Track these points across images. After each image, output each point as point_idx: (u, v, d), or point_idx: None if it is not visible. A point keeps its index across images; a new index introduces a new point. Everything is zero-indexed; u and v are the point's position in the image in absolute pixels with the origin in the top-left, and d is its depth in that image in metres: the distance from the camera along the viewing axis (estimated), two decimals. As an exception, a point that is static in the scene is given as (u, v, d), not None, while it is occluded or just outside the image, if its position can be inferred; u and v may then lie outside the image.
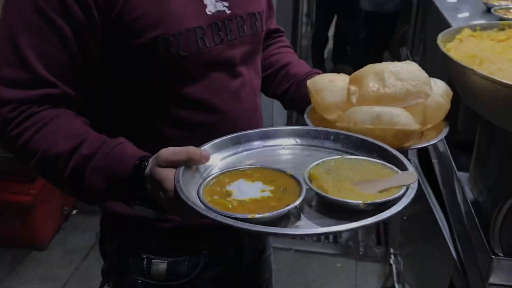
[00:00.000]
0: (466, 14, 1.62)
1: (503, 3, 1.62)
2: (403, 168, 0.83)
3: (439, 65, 1.60)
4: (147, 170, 0.84)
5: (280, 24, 1.38)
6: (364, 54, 4.45)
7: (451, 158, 1.44)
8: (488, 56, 1.07)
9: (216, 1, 1.02)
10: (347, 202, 0.75)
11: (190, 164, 0.83)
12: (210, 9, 1.00)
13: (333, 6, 5.00)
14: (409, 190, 0.77)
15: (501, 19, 1.47)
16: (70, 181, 0.90)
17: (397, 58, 3.02)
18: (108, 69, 0.96)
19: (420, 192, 1.45)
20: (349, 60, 5.14)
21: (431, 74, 1.06)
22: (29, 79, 0.88)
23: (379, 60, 3.56)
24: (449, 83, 1.13)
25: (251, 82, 1.12)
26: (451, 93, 1.01)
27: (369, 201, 0.74)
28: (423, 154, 1.77)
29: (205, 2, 1.00)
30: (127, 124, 1.01)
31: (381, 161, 0.86)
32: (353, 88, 0.97)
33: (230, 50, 1.04)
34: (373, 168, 0.83)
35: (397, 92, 0.93)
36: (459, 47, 1.16)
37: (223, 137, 0.93)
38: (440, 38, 1.17)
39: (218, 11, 1.02)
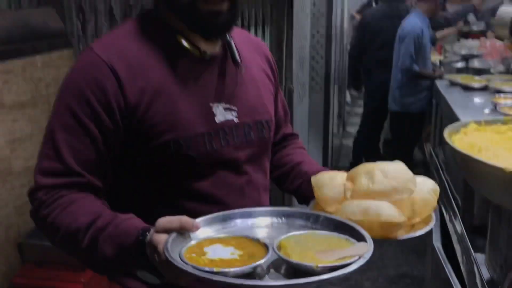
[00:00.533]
0: (472, 111, 1.81)
1: (509, 102, 1.81)
2: (364, 240, 0.95)
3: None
4: (148, 238, 0.97)
5: (312, 124, 1.58)
6: (394, 153, 4.61)
7: (468, 241, 1.56)
8: (487, 145, 1.25)
9: (225, 111, 1.15)
10: (303, 264, 0.87)
11: (182, 231, 0.95)
12: (219, 118, 1.14)
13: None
14: (361, 259, 0.89)
15: (506, 114, 1.65)
16: (87, 252, 1.03)
17: (424, 154, 3.18)
18: (127, 164, 1.12)
19: (442, 273, 1.56)
20: (380, 158, 5.30)
21: (449, 168, 1.22)
22: (62, 170, 1.06)
23: (410, 157, 3.73)
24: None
25: (257, 181, 1.23)
26: (438, 190, 1.12)
27: (321, 264, 0.86)
28: (447, 238, 1.89)
29: (214, 111, 1.14)
30: (138, 207, 1.13)
31: (346, 236, 0.98)
32: (348, 184, 1.10)
33: (236, 151, 1.17)
34: (338, 241, 0.96)
35: (384, 188, 1.05)
36: (464, 139, 1.35)
37: (214, 214, 1.05)
38: (446, 131, 1.36)
39: (227, 120, 1.15)
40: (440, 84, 2.56)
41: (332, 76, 4.16)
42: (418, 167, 4.71)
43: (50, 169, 1.07)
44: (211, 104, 1.14)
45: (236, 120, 1.17)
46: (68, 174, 1.07)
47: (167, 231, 0.94)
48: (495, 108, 1.84)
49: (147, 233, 0.98)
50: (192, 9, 1.07)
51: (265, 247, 0.92)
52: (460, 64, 3.43)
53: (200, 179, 1.13)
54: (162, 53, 1.12)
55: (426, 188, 1.09)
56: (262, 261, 0.87)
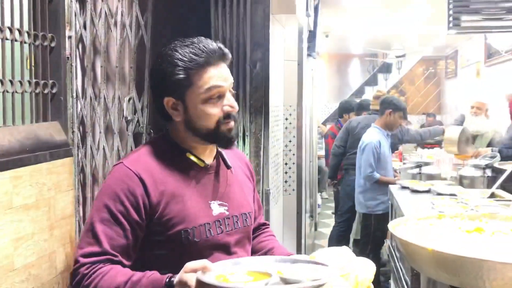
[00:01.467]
0: (417, 208, 2.20)
1: (445, 201, 2.22)
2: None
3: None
4: (176, 280, 1.29)
5: (286, 224, 1.93)
6: (363, 251, 4.90)
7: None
8: (420, 234, 1.61)
9: (219, 206, 1.55)
10: (293, 279, 1.20)
11: (205, 270, 1.25)
12: (215, 212, 1.54)
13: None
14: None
15: (439, 211, 2.04)
16: None
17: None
18: (147, 248, 1.48)
19: None
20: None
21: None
22: (99, 252, 1.40)
23: (378, 256, 4.03)
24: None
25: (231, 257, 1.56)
26: (374, 268, 1.44)
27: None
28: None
29: (211, 207, 1.54)
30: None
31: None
32: None
33: (227, 237, 1.54)
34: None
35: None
36: (403, 230, 1.71)
37: (225, 260, 1.39)
38: (391, 225, 1.72)
39: (221, 213, 1.55)
40: (393, 188, 2.98)
41: (303, 180, 4.57)
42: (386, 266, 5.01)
43: (90, 252, 1.41)
44: (209, 202, 1.54)
45: (227, 213, 1.56)
46: (104, 255, 1.41)
47: (194, 270, 1.26)
48: (432, 206, 2.23)
49: (172, 278, 1.31)
50: (216, 132, 1.51)
51: (268, 274, 1.24)
52: (414, 171, 3.89)
53: (200, 259, 1.40)
54: (175, 166, 1.53)
55: (368, 267, 1.44)
56: (270, 279, 1.21)
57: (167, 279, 1.32)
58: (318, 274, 1.23)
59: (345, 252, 1.45)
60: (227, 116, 1.52)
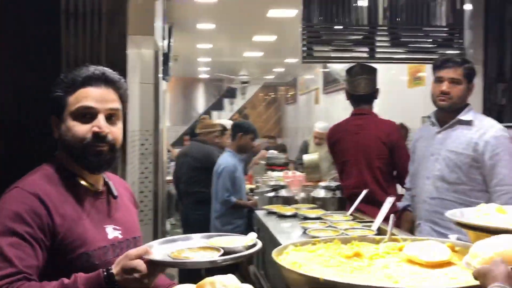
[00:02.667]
0: (288, 235, 2.23)
1: (314, 226, 2.27)
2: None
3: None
4: (116, 270, 1.34)
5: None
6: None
7: None
8: (304, 262, 1.61)
9: (113, 230, 1.57)
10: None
11: (148, 253, 1.36)
12: (110, 235, 1.56)
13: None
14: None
15: (313, 237, 2.08)
16: None
17: (248, 275, 3.51)
18: (48, 274, 1.42)
19: None
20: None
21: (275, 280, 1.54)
22: (14, 272, 1.34)
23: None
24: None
25: None
26: None
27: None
28: None
29: (106, 231, 1.56)
30: None
31: None
32: None
33: None
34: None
35: None
36: (287, 258, 1.70)
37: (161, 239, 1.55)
38: (273, 253, 1.70)
39: (115, 236, 1.57)
40: (259, 213, 3.00)
41: (159, 208, 4.42)
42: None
43: (3, 274, 1.34)
44: (104, 226, 1.56)
45: (121, 236, 1.59)
46: (20, 273, 1.35)
47: (138, 256, 1.34)
48: (304, 231, 2.28)
49: (110, 270, 1.35)
50: (81, 153, 1.51)
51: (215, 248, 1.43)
52: (271, 194, 3.98)
53: None
54: (69, 190, 1.53)
55: None
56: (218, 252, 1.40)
57: (104, 273, 1.35)
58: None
59: (232, 279, 1.42)
60: (97, 139, 1.52)
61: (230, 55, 10.05)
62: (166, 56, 5.18)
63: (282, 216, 2.80)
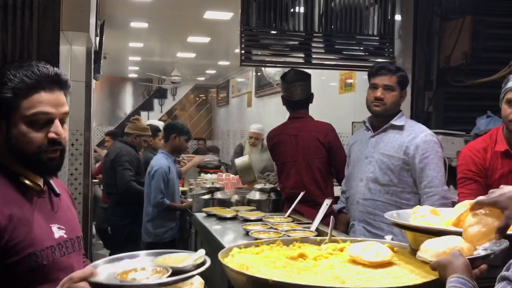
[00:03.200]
0: (231, 237, 2.23)
1: (256, 227, 2.29)
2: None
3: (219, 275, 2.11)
4: None
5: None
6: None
7: None
8: (251, 264, 1.61)
9: (58, 229, 1.54)
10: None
11: (94, 274, 1.28)
12: (56, 234, 1.52)
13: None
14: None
15: (256, 239, 2.09)
16: None
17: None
18: None
19: None
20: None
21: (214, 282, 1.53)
22: None
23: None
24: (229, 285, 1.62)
25: None
26: (203, 282, 1.47)
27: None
28: None
29: (53, 230, 1.52)
30: None
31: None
32: None
33: (69, 259, 1.53)
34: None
35: None
36: (233, 260, 1.69)
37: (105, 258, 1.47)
38: (219, 255, 1.69)
39: (60, 235, 1.53)
40: (198, 216, 2.98)
41: (89, 212, 4.27)
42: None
43: None
44: (50, 225, 1.52)
45: (65, 236, 1.55)
46: None
47: (84, 278, 1.25)
48: (247, 233, 2.28)
49: None
50: (36, 158, 1.45)
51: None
52: (207, 196, 3.95)
53: (47, 283, 1.43)
54: (13, 189, 1.46)
55: (198, 281, 1.45)
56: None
57: None
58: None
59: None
60: (52, 143, 1.47)
61: (162, 55, 9.91)
62: (97, 54, 5.02)
63: (222, 219, 2.79)
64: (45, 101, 1.45)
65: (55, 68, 1.50)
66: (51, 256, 1.47)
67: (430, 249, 1.38)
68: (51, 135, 1.46)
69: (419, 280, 1.43)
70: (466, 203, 1.56)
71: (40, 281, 1.43)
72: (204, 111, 15.09)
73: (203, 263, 1.40)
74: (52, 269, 1.46)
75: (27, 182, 1.50)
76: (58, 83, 1.49)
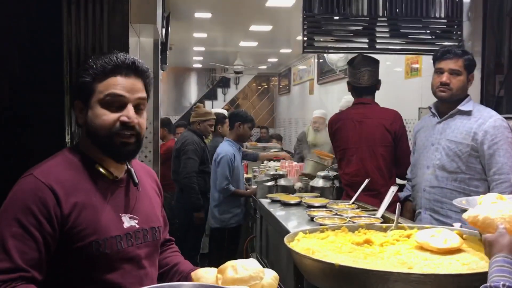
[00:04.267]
0: (295, 223, 2.27)
1: (320, 214, 2.31)
2: None
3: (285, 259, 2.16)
4: None
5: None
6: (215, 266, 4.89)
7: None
8: (317, 249, 1.64)
9: (130, 219, 1.55)
10: None
11: None
12: (126, 224, 1.53)
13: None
14: None
15: (321, 224, 2.11)
16: None
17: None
18: (59, 261, 1.43)
19: None
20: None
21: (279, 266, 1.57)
22: (11, 268, 1.34)
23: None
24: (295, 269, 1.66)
25: (152, 273, 1.61)
26: (278, 277, 1.47)
27: None
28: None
29: (123, 220, 1.53)
30: None
31: None
32: (219, 275, 1.44)
33: (137, 250, 1.54)
34: None
35: (244, 276, 1.40)
36: (298, 244, 1.73)
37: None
38: (286, 240, 1.73)
39: (131, 226, 1.54)
40: (263, 202, 3.03)
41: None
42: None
43: (1, 269, 1.33)
44: (120, 214, 1.54)
45: (137, 226, 1.56)
46: (16, 271, 1.34)
47: None
48: (312, 219, 2.31)
49: None
50: (109, 142, 1.49)
51: None
52: (270, 183, 4.00)
53: (111, 271, 1.47)
54: (86, 177, 1.51)
55: (269, 275, 1.45)
56: None
57: None
58: None
59: (253, 262, 1.46)
60: (124, 127, 1.50)
61: (225, 45, 10.01)
62: (163, 45, 5.16)
63: (286, 205, 2.82)
64: (120, 84, 1.50)
65: (134, 57, 1.55)
66: (116, 246, 1.49)
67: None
68: (123, 118, 1.49)
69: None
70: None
71: (103, 269, 1.46)
72: (266, 100, 15.15)
73: None
74: (116, 258, 1.49)
75: (101, 170, 1.53)
76: (135, 70, 1.52)
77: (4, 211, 1.41)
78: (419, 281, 1.36)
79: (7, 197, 1.43)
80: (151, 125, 4.22)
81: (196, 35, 8.86)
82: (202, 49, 10.75)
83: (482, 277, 1.40)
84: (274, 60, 11.96)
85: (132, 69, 1.52)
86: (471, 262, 1.49)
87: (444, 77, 2.77)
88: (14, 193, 1.44)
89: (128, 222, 1.54)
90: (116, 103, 1.50)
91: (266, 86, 15.23)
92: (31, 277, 1.36)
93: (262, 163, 6.14)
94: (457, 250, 1.59)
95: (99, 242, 1.45)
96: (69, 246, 1.43)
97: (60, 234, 1.42)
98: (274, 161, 6.17)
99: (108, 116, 1.49)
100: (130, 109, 1.50)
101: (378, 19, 3.86)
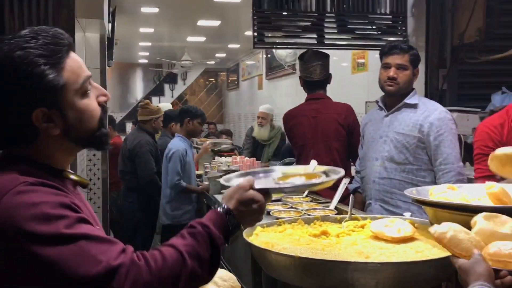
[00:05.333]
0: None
1: (276, 207, 2.33)
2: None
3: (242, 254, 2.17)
4: (232, 205, 1.28)
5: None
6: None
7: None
8: (276, 242, 1.66)
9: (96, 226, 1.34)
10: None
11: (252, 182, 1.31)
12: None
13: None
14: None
15: (277, 218, 2.14)
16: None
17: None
18: None
19: None
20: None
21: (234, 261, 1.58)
22: (124, 249, 1.14)
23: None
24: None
25: None
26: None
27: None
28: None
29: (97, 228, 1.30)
30: None
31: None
32: None
33: None
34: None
35: None
36: (257, 238, 1.74)
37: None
38: (244, 234, 1.73)
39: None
40: (218, 197, 3.03)
41: (108, 196, 4.33)
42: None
43: (118, 251, 1.11)
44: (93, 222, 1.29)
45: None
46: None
47: (249, 186, 1.30)
48: (268, 213, 2.33)
49: (224, 206, 1.28)
50: (98, 131, 1.23)
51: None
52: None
53: None
54: (62, 188, 1.18)
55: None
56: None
57: (221, 209, 1.27)
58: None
59: (227, 272, 1.44)
60: (104, 109, 1.27)
61: (172, 40, 9.91)
62: (110, 41, 5.05)
63: (241, 200, 2.84)
64: (81, 64, 1.24)
65: (56, 29, 1.22)
66: None
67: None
68: (102, 98, 1.27)
69: (442, 254, 1.46)
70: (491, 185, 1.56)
71: None
72: (215, 95, 15.12)
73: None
74: None
75: (73, 177, 1.28)
76: (71, 44, 1.24)
77: (38, 217, 1.07)
78: (376, 270, 1.41)
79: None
80: (99, 122, 4.13)
81: (142, 30, 8.72)
82: (149, 44, 10.60)
83: (435, 263, 1.46)
84: (222, 55, 11.95)
85: (71, 43, 1.23)
86: (424, 249, 1.55)
87: (392, 72, 2.85)
88: (25, 201, 1.09)
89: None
90: (88, 86, 1.24)
91: (214, 81, 15.19)
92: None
93: (214, 159, 6.13)
94: (410, 239, 1.65)
95: None
96: None
97: None
98: (226, 156, 6.18)
99: (93, 104, 1.24)
100: (97, 85, 1.28)
101: (326, 15, 3.94)
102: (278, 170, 1.61)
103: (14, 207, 1.07)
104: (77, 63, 1.22)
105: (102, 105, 1.26)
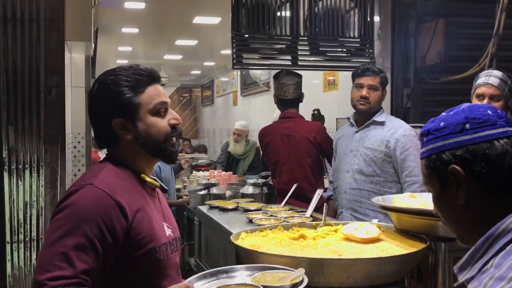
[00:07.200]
0: (236, 225, 2.50)
1: (258, 216, 2.57)
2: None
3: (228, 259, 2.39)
4: None
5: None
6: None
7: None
8: (261, 244, 1.89)
9: (167, 228, 1.61)
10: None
11: None
12: (167, 232, 1.59)
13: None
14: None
15: (259, 225, 2.37)
16: None
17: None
18: (115, 272, 1.47)
19: None
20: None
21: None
22: (71, 275, 1.35)
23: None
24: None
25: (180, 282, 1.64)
26: None
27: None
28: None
29: (165, 228, 1.59)
30: None
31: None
32: None
33: (175, 257, 1.63)
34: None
35: None
36: (243, 242, 1.97)
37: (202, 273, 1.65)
38: (232, 238, 1.96)
39: (169, 234, 1.60)
40: (203, 208, 3.24)
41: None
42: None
43: (60, 275, 1.34)
44: (163, 223, 1.60)
45: (172, 235, 1.62)
46: (76, 278, 1.35)
47: None
48: (250, 221, 2.57)
49: None
50: (165, 147, 1.56)
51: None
52: (203, 192, 4.19)
53: (163, 279, 1.54)
54: (137, 186, 1.55)
55: None
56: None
57: None
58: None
59: None
60: (174, 129, 1.59)
61: (149, 58, 10.10)
62: (93, 60, 5.23)
63: (224, 210, 3.06)
64: (160, 92, 1.58)
65: (143, 66, 1.60)
66: (165, 253, 1.54)
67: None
68: (173, 121, 1.58)
69: (404, 251, 1.72)
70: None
71: (158, 276, 1.52)
72: (189, 111, 15.29)
73: (301, 282, 1.52)
74: (166, 265, 1.55)
75: (147, 179, 1.58)
76: (158, 77, 1.61)
77: (67, 221, 1.41)
78: (348, 265, 1.65)
79: (63, 207, 1.44)
80: (84, 139, 4.30)
81: (121, 48, 8.89)
82: (126, 61, 10.76)
83: (398, 259, 1.72)
84: (198, 72, 12.16)
85: (157, 77, 1.60)
86: (389, 248, 1.81)
87: (364, 91, 3.12)
88: (76, 202, 1.43)
89: (167, 230, 1.60)
90: (162, 109, 1.56)
91: (188, 97, 15.36)
92: (89, 286, 1.39)
93: (191, 173, 6.31)
94: (377, 240, 1.91)
95: (156, 249, 1.50)
96: (128, 255, 1.46)
97: (122, 244, 1.45)
98: (203, 171, 6.38)
99: (162, 123, 1.56)
100: (172, 112, 1.61)
101: (300, 38, 4.22)
102: (241, 272, 1.70)
103: None
104: (156, 91, 1.57)
105: (174, 127, 1.58)
